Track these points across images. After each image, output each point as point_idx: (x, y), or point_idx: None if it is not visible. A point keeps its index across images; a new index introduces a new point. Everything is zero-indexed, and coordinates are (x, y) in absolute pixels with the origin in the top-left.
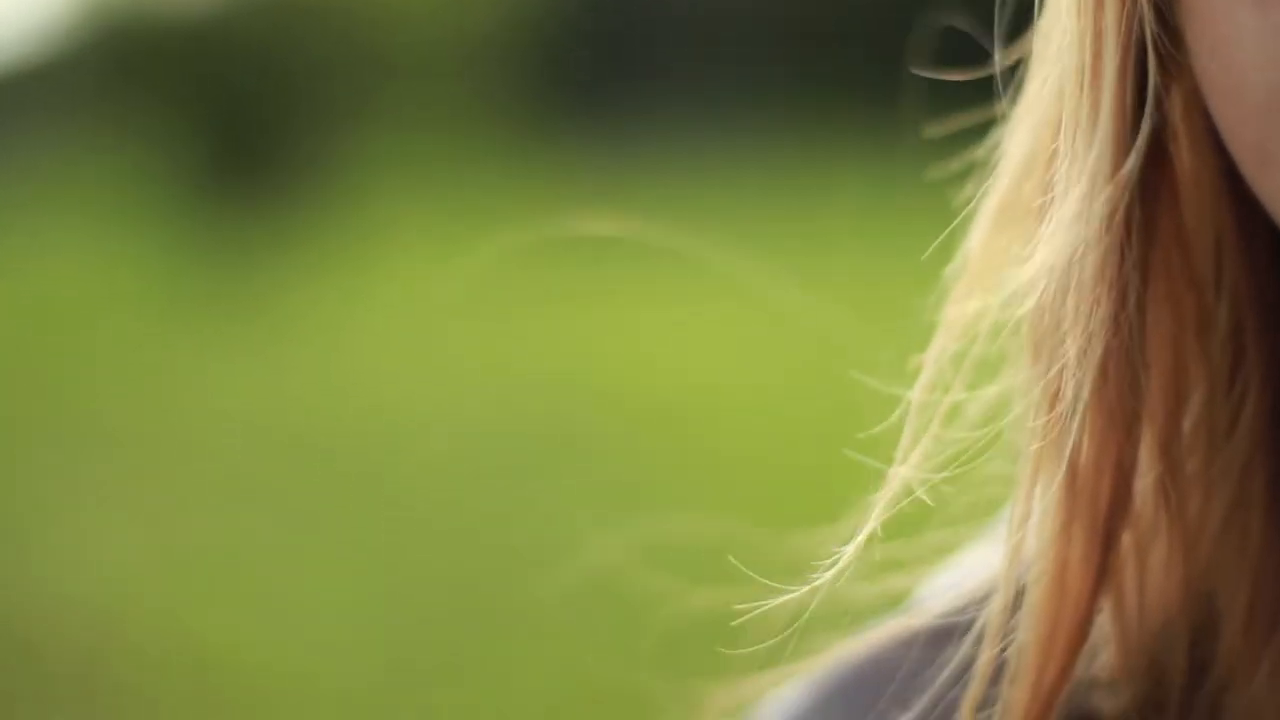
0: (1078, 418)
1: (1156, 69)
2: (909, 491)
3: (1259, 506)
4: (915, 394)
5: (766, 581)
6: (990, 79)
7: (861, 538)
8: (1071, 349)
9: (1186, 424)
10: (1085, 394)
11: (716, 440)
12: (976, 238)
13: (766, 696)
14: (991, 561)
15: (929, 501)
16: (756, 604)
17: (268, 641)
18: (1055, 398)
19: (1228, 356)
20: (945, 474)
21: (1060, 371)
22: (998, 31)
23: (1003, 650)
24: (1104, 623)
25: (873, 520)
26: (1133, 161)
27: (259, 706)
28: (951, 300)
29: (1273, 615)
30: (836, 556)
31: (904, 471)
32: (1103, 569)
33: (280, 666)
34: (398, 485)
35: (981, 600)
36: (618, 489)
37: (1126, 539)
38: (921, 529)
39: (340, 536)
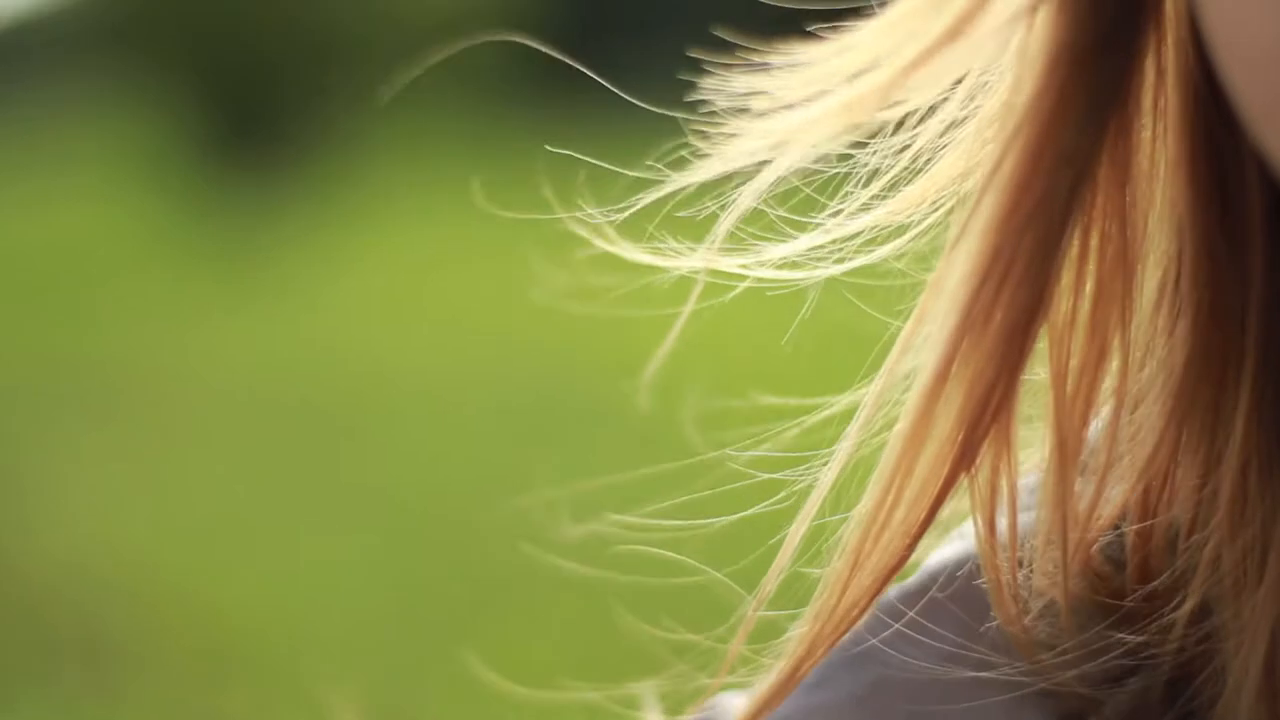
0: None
1: None
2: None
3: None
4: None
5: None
6: None
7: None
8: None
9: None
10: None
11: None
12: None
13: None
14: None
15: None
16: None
17: (267, 600)
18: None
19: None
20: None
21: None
22: None
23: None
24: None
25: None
26: (1081, 137)
27: (260, 665)
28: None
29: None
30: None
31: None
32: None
33: (281, 626)
34: (396, 446)
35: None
36: (611, 450)
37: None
38: None
39: (340, 496)
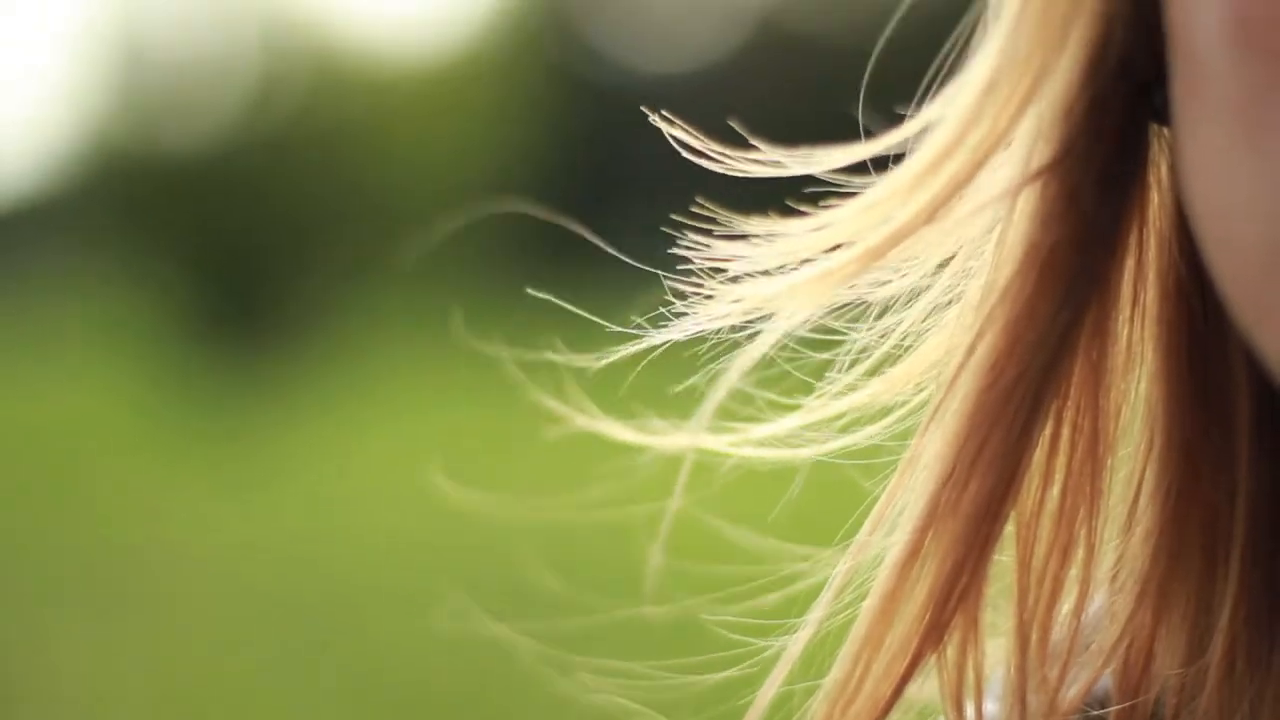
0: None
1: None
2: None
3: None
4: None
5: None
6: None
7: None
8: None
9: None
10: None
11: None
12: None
13: None
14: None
15: None
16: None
17: None
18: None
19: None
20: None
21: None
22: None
23: None
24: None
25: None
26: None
27: None
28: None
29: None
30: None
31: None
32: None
33: None
34: (386, 630)
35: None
36: (618, 633)
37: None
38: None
39: (328, 678)
